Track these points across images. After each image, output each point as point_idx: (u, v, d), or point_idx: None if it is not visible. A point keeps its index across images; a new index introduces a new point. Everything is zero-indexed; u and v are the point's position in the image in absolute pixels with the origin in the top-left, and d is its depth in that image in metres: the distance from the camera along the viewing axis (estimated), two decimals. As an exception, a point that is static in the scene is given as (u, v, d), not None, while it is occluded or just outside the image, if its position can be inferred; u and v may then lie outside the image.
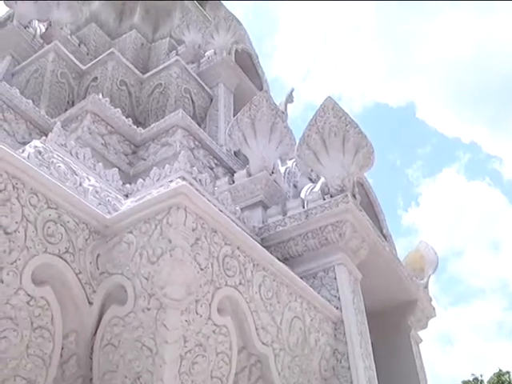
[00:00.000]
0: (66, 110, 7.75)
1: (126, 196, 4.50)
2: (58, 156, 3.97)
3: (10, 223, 2.95)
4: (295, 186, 6.55)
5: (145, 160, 6.40)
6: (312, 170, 5.80)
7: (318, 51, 39.56)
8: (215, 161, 6.71)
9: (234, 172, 6.53)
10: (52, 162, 3.77)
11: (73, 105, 7.89)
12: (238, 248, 3.44)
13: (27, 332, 3.07)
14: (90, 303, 3.29)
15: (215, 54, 8.86)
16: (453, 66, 36.00)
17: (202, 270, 3.09)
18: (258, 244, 3.72)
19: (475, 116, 37.23)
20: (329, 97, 5.43)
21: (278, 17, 42.03)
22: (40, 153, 3.75)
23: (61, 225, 3.19)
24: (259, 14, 40.39)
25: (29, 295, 3.04)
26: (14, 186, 3.03)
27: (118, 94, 7.81)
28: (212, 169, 6.48)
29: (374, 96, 39.71)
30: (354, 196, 5.17)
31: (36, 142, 3.90)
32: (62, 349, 3.25)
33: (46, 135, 6.44)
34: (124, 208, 3.79)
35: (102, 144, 6.22)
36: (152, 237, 3.10)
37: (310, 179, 7.04)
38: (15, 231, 2.97)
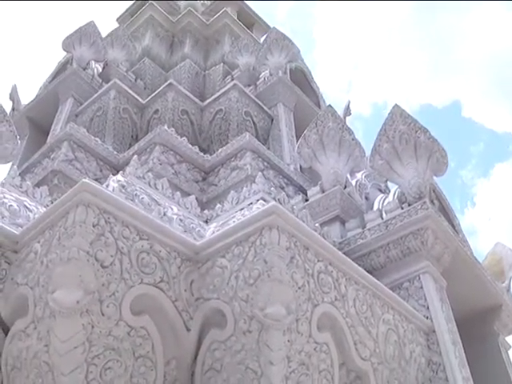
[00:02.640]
0: (131, 144, 7.92)
1: (206, 222, 4.54)
2: (140, 188, 4.04)
3: (105, 257, 3.01)
4: (367, 198, 6.48)
5: (216, 185, 6.46)
6: (387, 180, 5.75)
7: (357, 61, 39.20)
8: (285, 180, 6.73)
9: (304, 190, 6.52)
10: (136, 194, 3.85)
11: (136, 139, 8.05)
12: (330, 263, 3.42)
13: (130, 362, 3.12)
14: (188, 330, 3.31)
15: (271, 74, 8.92)
16: (496, 57, 34.97)
17: (299, 288, 3.08)
18: (348, 258, 3.69)
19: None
20: (396, 104, 5.39)
21: (313, 31, 41.84)
22: (123, 186, 3.83)
23: (153, 255, 3.24)
24: (296, 31, 40.40)
25: (129, 326, 3.09)
26: (106, 221, 3.09)
27: (180, 124, 7.92)
28: (283, 188, 6.49)
29: (419, 99, 38.94)
30: (432, 202, 5.09)
31: (118, 177, 3.99)
32: (164, 376, 3.28)
33: (117, 170, 6.62)
34: (209, 233, 3.83)
35: (173, 173, 6.32)
36: (246, 259, 3.11)
37: (380, 190, 6.96)
38: (111, 264, 3.03)
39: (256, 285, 3.01)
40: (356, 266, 3.73)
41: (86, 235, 2.96)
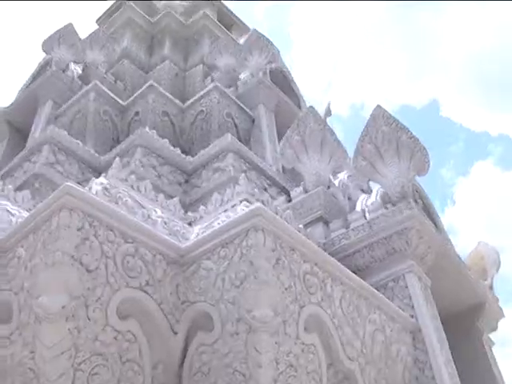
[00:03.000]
0: (112, 146, 7.84)
1: (190, 224, 4.51)
2: (124, 191, 4.01)
3: (90, 261, 2.99)
4: (349, 199, 6.50)
5: (199, 187, 6.42)
6: (370, 180, 5.77)
7: (335, 62, 39.32)
8: (268, 181, 6.71)
9: (287, 191, 6.51)
10: (119, 197, 3.82)
11: (117, 141, 7.97)
12: (316, 264, 3.42)
13: (117, 367, 3.11)
14: (175, 333, 3.30)
15: (251, 75, 8.90)
16: (473, 56, 35.25)
17: (286, 289, 3.09)
18: (333, 259, 3.70)
19: (504, 105, 36.05)
20: (378, 105, 5.42)
21: (291, 32, 41.82)
22: (107, 189, 3.80)
23: (139, 258, 3.22)
24: (273, 32, 40.46)
25: (116, 330, 3.07)
26: (90, 224, 3.07)
27: (161, 126, 7.85)
28: (266, 189, 6.47)
29: (397, 99, 39.18)
30: (415, 201, 5.11)
31: (101, 179, 3.96)
32: (152, 380, 3.26)
33: (99, 173, 6.55)
34: (194, 235, 3.82)
35: (156, 176, 6.28)
36: (232, 261, 3.11)
37: (362, 190, 6.98)
38: (96, 268, 3.01)
39: (243, 287, 3.00)
40: (342, 266, 3.74)
41: (71, 239, 2.94)
